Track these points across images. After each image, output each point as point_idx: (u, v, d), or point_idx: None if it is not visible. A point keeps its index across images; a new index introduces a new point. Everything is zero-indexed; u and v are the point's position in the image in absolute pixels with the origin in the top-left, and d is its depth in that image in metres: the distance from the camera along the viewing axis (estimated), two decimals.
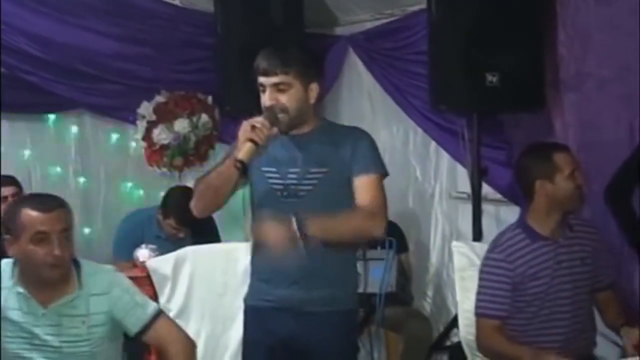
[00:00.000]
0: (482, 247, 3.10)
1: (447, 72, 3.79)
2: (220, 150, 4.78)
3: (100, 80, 4.72)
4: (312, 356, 2.68)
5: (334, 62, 4.99)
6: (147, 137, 4.82)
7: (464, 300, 3.11)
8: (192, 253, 3.61)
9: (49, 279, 2.47)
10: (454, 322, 3.74)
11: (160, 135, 4.78)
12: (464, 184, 4.21)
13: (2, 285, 2.50)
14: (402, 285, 4.20)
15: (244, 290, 2.83)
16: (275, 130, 2.57)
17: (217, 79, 4.73)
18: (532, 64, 3.71)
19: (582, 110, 3.70)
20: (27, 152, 4.69)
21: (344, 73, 5.06)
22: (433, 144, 4.58)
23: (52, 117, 4.75)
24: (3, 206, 3.92)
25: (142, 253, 3.97)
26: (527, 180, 2.93)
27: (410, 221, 4.67)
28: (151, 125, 4.81)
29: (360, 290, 2.87)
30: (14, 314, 2.49)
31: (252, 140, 2.50)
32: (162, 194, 4.43)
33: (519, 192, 3.13)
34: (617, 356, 2.93)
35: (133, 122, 4.86)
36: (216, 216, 4.14)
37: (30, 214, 2.44)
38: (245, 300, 2.81)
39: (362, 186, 2.63)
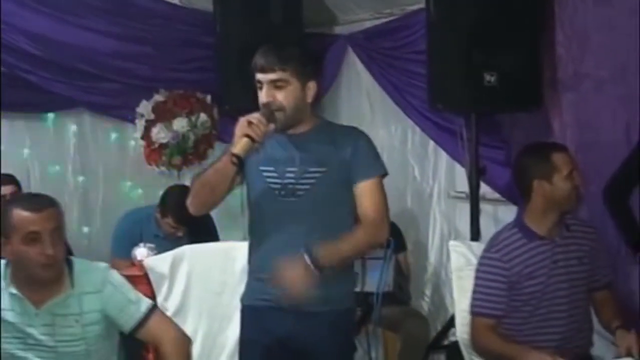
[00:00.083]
0: (479, 247, 3.10)
1: (445, 71, 3.79)
2: (219, 150, 4.77)
3: (99, 79, 4.72)
4: (309, 355, 2.68)
5: (333, 61, 4.99)
6: (146, 136, 4.82)
7: (461, 300, 3.10)
8: (190, 252, 3.61)
9: (42, 279, 2.47)
10: (451, 322, 3.73)
11: (159, 134, 4.78)
12: (463, 184, 4.21)
13: None
14: (400, 284, 4.21)
15: (241, 289, 2.83)
16: (271, 126, 2.57)
17: (216, 78, 4.73)
18: (530, 63, 3.70)
19: (579, 110, 3.70)
20: (26, 151, 4.70)
21: (343, 72, 5.07)
22: (431, 143, 4.58)
23: (51, 116, 4.77)
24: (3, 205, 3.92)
25: (140, 252, 3.97)
26: (525, 180, 2.93)
27: (409, 220, 4.67)
28: (150, 124, 4.81)
29: (358, 289, 2.88)
30: (8, 315, 2.50)
31: (248, 136, 2.50)
32: (161, 192, 4.44)
33: (517, 192, 3.13)
34: (614, 356, 2.92)
35: (132, 121, 4.86)
36: (214, 215, 4.16)
37: (20, 214, 2.44)
38: (242, 299, 2.81)
39: (364, 192, 2.66)
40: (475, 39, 3.67)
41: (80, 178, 4.85)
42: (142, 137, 4.84)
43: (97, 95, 4.76)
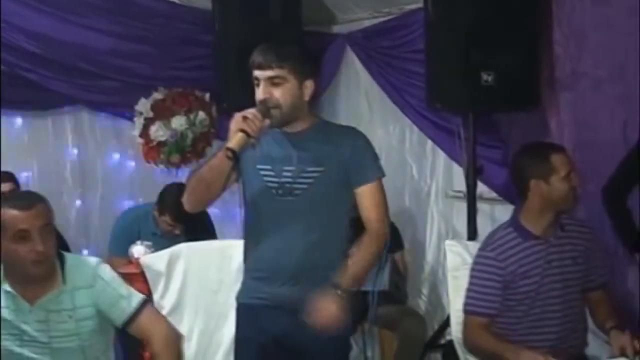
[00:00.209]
0: (475, 246, 3.10)
1: (443, 70, 3.79)
2: (217, 148, 4.77)
3: (98, 78, 4.71)
4: (305, 354, 2.69)
5: (331, 60, 5.00)
6: (144, 133, 4.81)
7: (456, 299, 3.10)
8: (187, 250, 3.60)
9: (34, 276, 2.48)
10: (448, 321, 3.73)
11: (158, 132, 4.77)
12: (460, 183, 4.20)
13: None
14: (396, 283, 4.21)
15: (237, 287, 2.83)
16: (267, 122, 2.57)
17: (215, 76, 4.73)
18: (527, 63, 3.70)
19: (577, 110, 3.70)
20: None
21: (341, 71, 5.08)
22: (429, 142, 4.58)
23: (50, 113, 4.76)
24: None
25: (138, 249, 3.98)
26: (523, 180, 2.93)
27: (406, 220, 4.68)
28: (148, 122, 4.80)
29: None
30: (3, 312, 2.51)
31: (243, 131, 2.50)
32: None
33: (514, 191, 3.13)
34: (608, 355, 2.92)
35: (130, 119, 4.86)
36: (212, 213, 4.16)
37: (9, 213, 2.45)
38: (238, 297, 2.82)
39: (365, 195, 2.68)
40: (473, 38, 3.67)
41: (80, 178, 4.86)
42: (141, 135, 4.84)
43: (96, 93, 4.75)
